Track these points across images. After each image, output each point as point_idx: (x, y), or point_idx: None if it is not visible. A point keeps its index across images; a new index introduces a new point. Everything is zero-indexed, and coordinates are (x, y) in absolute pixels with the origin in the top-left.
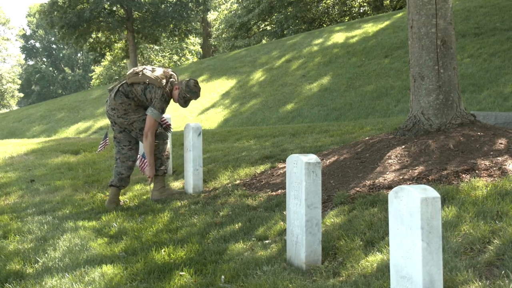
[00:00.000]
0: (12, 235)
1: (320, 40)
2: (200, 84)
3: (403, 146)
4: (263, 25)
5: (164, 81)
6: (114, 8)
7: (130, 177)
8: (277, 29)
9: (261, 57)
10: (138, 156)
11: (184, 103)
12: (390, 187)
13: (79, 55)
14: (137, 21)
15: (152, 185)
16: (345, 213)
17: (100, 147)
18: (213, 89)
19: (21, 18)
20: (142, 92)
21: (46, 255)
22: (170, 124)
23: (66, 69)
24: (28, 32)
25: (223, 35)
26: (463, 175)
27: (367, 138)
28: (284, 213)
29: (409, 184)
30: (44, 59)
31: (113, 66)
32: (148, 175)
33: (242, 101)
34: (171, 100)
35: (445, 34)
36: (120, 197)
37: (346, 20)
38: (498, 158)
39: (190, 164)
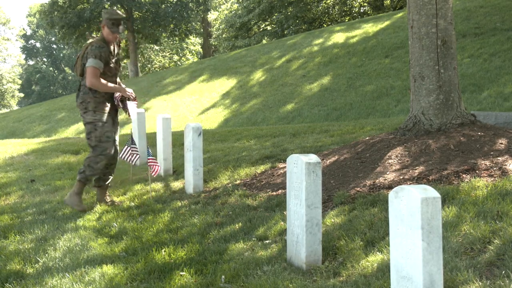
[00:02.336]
0: (12, 235)
1: (320, 40)
2: (201, 84)
3: (403, 146)
4: (263, 25)
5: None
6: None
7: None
8: (278, 29)
9: (261, 57)
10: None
11: (116, 27)
12: (390, 187)
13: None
14: (137, 21)
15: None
16: (345, 213)
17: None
18: (214, 89)
19: (22, 18)
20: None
21: (46, 255)
22: (124, 100)
23: (67, 69)
24: (29, 32)
25: (224, 35)
26: (464, 175)
27: (367, 138)
28: (285, 213)
29: (410, 184)
30: (45, 59)
31: None
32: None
33: (243, 101)
34: (112, 46)
35: (446, 34)
36: (121, 197)
37: (347, 20)
38: (499, 158)
39: (190, 164)
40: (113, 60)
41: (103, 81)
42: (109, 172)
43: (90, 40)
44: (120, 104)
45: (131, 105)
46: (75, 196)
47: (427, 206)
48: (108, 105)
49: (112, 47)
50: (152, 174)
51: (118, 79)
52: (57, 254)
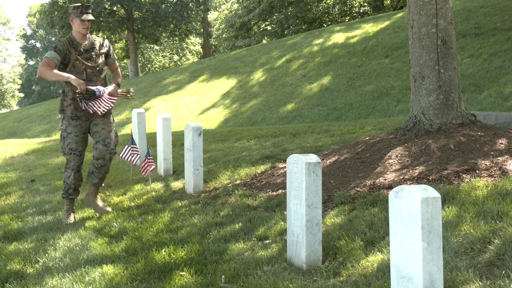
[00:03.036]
0: (12, 235)
1: (320, 40)
2: (201, 84)
3: (403, 146)
4: (263, 25)
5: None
6: (115, 8)
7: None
8: (278, 29)
9: (261, 57)
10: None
11: (83, 13)
12: (390, 187)
13: None
14: (137, 21)
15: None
16: (345, 213)
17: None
18: (214, 89)
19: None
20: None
21: (46, 255)
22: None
23: None
24: (29, 32)
25: (224, 35)
26: (464, 175)
27: (367, 138)
28: (285, 213)
29: (410, 184)
30: None
31: None
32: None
33: (243, 101)
34: (81, 40)
35: (446, 34)
36: (121, 197)
37: (347, 20)
38: (499, 158)
39: (190, 164)
40: (83, 56)
41: (49, 71)
42: (96, 174)
43: None
44: (83, 104)
45: (96, 101)
46: (65, 213)
47: (427, 206)
48: (78, 108)
49: (86, 42)
50: (142, 173)
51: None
52: (57, 254)
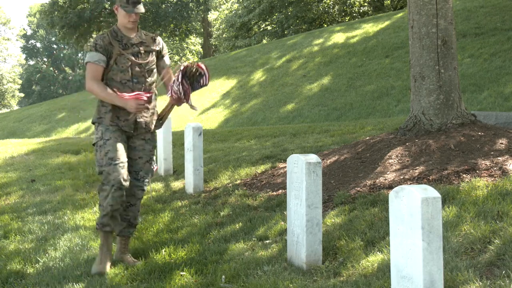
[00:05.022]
0: (12, 235)
1: (320, 40)
2: None
3: (403, 146)
4: (263, 25)
5: None
6: None
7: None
8: (278, 29)
9: (261, 57)
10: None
11: (132, 5)
12: (390, 187)
13: (79, 55)
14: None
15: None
16: (345, 213)
17: None
18: (214, 89)
19: (22, 18)
20: None
21: (46, 255)
22: (143, 96)
23: (67, 69)
24: (29, 32)
25: (224, 35)
26: (464, 175)
27: (367, 138)
28: (285, 213)
29: (410, 184)
30: (45, 59)
31: None
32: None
33: (243, 101)
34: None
35: (446, 34)
36: None
37: (347, 20)
38: (499, 158)
39: (190, 164)
40: (129, 51)
41: (100, 86)
42: (127, 212)
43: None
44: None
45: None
46: (99, 251)
47: (428, 206)
48: (126, 117)
49: (134, 35)
50: None
51: (151, 79)
52: (58, 254)
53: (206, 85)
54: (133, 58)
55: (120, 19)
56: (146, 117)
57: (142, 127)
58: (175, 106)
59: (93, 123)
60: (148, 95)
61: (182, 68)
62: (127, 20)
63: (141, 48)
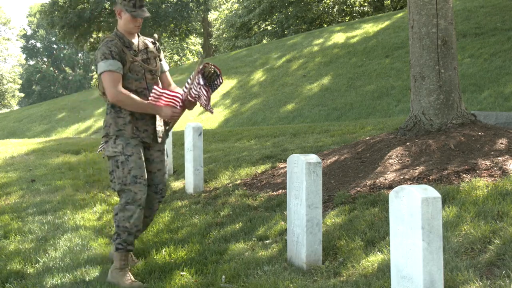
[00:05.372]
0: (13, 235)
1: (320, 40)
2: None
3: (403, 146)
4: (263, 25)
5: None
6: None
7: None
8: (278, 29)
9: (261, 57)
10: None
11: (138, 8)
12: (390, 187)
13: (80, 55)
14: None
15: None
16: (345, 213)
17: (101, 146)
18: None
19: (22, 18)
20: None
21: (46, 255)
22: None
23: (67, 69)
24: (29, 32)
25: (224, 35)
26: (464, 175)
27: (367, 138)
28: (285, 213)
29: (410, 184)
30: (45, 59)
31: None
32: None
33: (243, 101)
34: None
35: (446, 34)
36: None
37: (347, 20)
38: (499, 158)
39: (190, 164)
40: (139, 58)
41: (132, 95)
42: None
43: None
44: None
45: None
46: (119, 272)
47: (428, 206)
48: (145, 128)
49: (135, 40)
50: None
51: (171, 84)
52: (58, 254)
53: (221, 83)
54: (145, 65)
55: (124, 24)
56: (161, 125)
57: (160, 137)
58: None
59: (108, 135)
60: (179, 100)
61: (200, 69)
62: (133, 25)
63: (148, 54)
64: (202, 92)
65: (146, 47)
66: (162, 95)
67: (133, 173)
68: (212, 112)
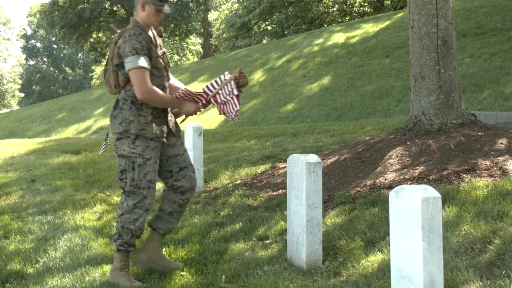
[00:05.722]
0: (13, 235)
1: (320, 40)
2: (201, 84)
3: (403, 146)
4: (263, 25)
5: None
6: (115, 8)
7: (174, 219)
8: (278, 29)
9: (261, 57)
10: None
11: (164, 3)
12: (390, 187)
13: (79, 55)
14: None
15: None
16: (345, 213)
17: (103, 148)
18: None
19: (22, 18)
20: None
21: (47, 255)
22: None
23: (67, 69)
24: (29, 32)
25: (224, 35)
26: (464, 175)
27: (367, 138)
28: (285, 213)
29: (410, 184)
30: (45, 59)
31: None
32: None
33: (243, 101)
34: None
35: (446, 34)
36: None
37: (347, 20)
38: (499, 158)
39: None
40: (159, 52)
41: (161, 92)
42: (176, 215)
43: (119, 32)
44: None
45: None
46: (120, 273)
47: (428, 206)
48: (161, 127)
49: (150, 34)
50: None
51: (171, 79)
52: (58, 254)
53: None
54: (166, 61)
55: (147, 16)
56: (171, 118)
57: (172, 132)
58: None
59: (126, 132)
60: (202, 99)
61: (235, 77)
62: (155, 19)
63: (163, 49)
64: (233, 101)
65: (160, 44)
66: (187, 93)
67: (149, 177)
68: (237, 120)
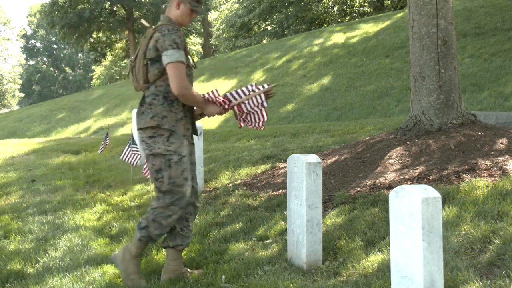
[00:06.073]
0: (13, 235)
1: (320, 40)
2: (201, 84)
3: (403, 146)
4: (263, 25)
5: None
6: (115, 8)
7: (188, 233)
8: (278, 29)
9: (261, 57)
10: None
11: (201, 5)
12: (390, 187)
13: (80, 55)
14: (137, 21)
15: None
16: (345, 213)
17: (102, 147)
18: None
19: (22, 18)
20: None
21: (47, 255)
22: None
23: (67, 69)
24: (29, 32)
25: (224, 35)
26: (464, 175)
27: (367, 138)
28: (285, 213)
29: (410, 184)
30: (45, 59)
31: (113, 66)
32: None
33: None
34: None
35: (446, 34)
36: (121, 197)
37: (347, 20)
38: (499, 158)
39: None
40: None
41: (192, 88)
42: (187, 225)
43: (153, 27)
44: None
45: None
46: (130, 261)
47: (428, 206)
48: (188, 127)
49: None
50: (144, 174)
51: None
52: (58, 254)
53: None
54: (193, 61)
55: (180, 15)
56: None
57: (191, 136)
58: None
59: (159, 127)
60: (227, 103)
61: (266, 90)
62: (188, 19)
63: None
64: (261, 113)
65: None
66: (214, 95)
67: (185, 175)
68: (263, 129)
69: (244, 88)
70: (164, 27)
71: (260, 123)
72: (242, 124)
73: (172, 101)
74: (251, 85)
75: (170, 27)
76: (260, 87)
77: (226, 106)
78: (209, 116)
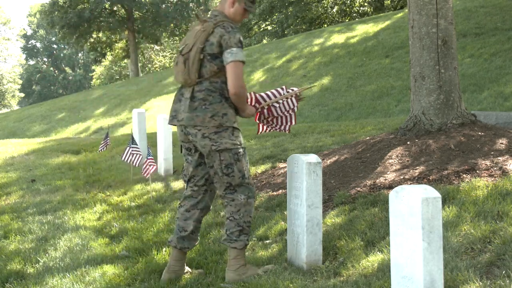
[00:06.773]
0: (13, 235)
1: (320, 40)
2: None
3: (403, 146)
4: (263, 25)
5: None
6: (115, 8)
7: (197, 235)
8: (278, 29)
9: (261, 57)
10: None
11: (254, 4)
12: (391, 187)
13: (80, 55)
14: (138, 21)
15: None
16: (345, 213)
17: (101, 146)
18: None
19: (22, 18)
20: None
21: (47, 255)
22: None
23: (67, 69)
24: (29, 32)
25: None
26: (464, 175)
27: (367, 138)
28: (285, 213)
29: (410, 184)
30: (45, 59)
31: (113, 66)
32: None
33: None
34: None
35: (446, 34)
36: (121, 197)
37: (347, 20)
38: (499, 158)
39: None
40: None
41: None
42: (199, 227)
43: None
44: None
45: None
46: (245, 267)
47: (428, 206)
48: None
49: None
50: (144, 174)
51: None
52: (58, 254)
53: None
54: None
55: (234, 13)
56: None
57: None
58: None
59: (222, 125)
60: (257, 105)
61: (297, 94)
62: (241, 17)
63: None
64: (290, 117)
65: None
66: (252, 97)
67: (248, 166)
68: (288, 132)
69: (274, 91)
70: (226, 23)
71: (287, 127)
72: (263, 128)
73: (227, 98)
74: (282, 88)
75: (232, 24)
76: (290, 90)
77: (257, 108)
78: (245, 117)
